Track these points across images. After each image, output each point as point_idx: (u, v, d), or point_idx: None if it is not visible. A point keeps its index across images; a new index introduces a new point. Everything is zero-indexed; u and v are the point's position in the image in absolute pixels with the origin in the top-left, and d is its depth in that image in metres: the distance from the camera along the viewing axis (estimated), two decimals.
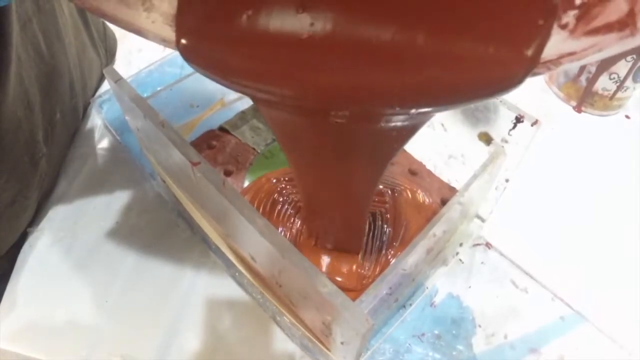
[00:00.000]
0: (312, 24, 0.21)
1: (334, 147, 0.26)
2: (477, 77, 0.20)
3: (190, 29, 0.23)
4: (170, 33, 0.24)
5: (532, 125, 0.32)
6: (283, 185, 0.41)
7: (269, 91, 0.23)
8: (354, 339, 0.25)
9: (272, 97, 0.23)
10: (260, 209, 0.39)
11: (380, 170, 0.28)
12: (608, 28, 0.18)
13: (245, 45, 0.23)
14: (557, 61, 0.20)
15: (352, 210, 0.32)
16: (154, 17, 0.24)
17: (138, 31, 0.24)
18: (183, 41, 0.23)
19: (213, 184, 0.27)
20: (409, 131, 0.25)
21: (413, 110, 0.22)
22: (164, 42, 0.24)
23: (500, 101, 0.33)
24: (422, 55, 0.21)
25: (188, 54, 0.24)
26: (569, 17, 0.19)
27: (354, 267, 0.36)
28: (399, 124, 0.24)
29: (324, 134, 0.25)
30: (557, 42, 0.20)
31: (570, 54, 0.20)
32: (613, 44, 0.18)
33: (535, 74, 0.20)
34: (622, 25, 0.18)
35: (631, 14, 0.17)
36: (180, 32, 0.23)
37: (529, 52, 0.19)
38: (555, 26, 0.19)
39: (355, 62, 0.21)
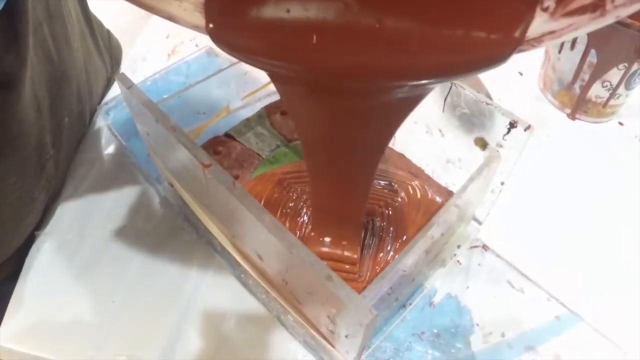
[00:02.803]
0: (328, 12, 0.24)
1: (343, 120, 0.29)
2: (473, 55, 0.24)
3: (217, 15, 0.26)
4: (200, 19, 0.26)
5: (525, 130, 0.33)
6: (286, 179, 0.43)
7: (287, 69, 0.26)
8: (358, 331, 0.26)
9: (290, 74, 0.27)
10: (263, 202, 0.41)
11: (385, 142, 0.31)
12: (582, 10, 0.21)
13: (267, 29, 0.25)
14: (539, 39, 0.23)
15: (355, 192, 0.35)
16: (185, 6, 0.26)
17: (171, 18, 0.26)
18: (211, 26, 0.26)
19: (224, 184, 0.28)
20: (411, 103, 0.28)
21: (420, 83, 0.26)
22: (195, 27, 0.26)
23: (495, 108, 0.34)
24: (431, 40, 0.24)
25: (216, 38, 0.26)
26: (550, 1, 0.22)
27: (358, 254, 0.38)
28: (402, 95, 0.27)
29: (334, 107, 0.28)
30: (540, 23, 0.23)
31: (551, 32, 0.23)
32: (586, 24, 0.21)
33: (520, 51, 0.24)
34: (594, 7, 0.21)
35: None
36: (208, 18, 0.26)
37: (516, 34, 0.23)
38: (538, 9, 0.22)
39: (365, 44, 0.24)
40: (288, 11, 0.24)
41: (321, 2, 0.24)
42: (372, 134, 0.30)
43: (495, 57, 0.23)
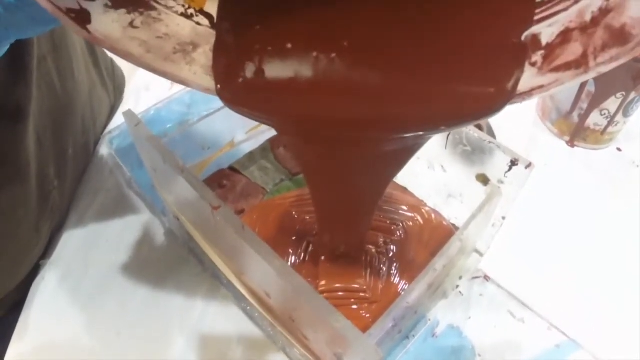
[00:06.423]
0: (325, 73, 0.26)
1: (344, 167, 0.31)
2: (470, 109, 0.25)
3: (223, 77, 0.27)
4: (210, 82, 0.27)
5: (526, 168, 0.34)
6: (284, 204, 0.44)
7: (291, 126, 0.28)
8: None
9: (291, 129, 0.29)
10: (267, 228, 0.43)
11: (385, 183, 0.33)
12: (567, 66, 0.23)
13: (265, 91, 0.27)
14: (529, 93, 0.25)
15: (360, 217, 0.36)
16: (195, 70, 0.27)
17: (183, 82, 0.27)
18: (219, 87, 0.27)
19: (233, 227, 0.29)
20: (412, 150, 0.30)
21: (426, 131, 0.27)
22: (205, 89, 0.28)
23: (497, 145, 0.35)
24: (436, 94, 0.26)
25: (223, 98, 0.27)
26: (537, 56, 0.24)
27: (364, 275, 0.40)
28: (401, 145, 0.29)
29: (336, 157, 0.30)
30: (529, 78, 0.24)
31: (539, 87, 0.24)
32: (571, 79, 0.23)
33: (513, 103, 0.25)
34: (578, 64, 0.22)
35: (585, 55, 0.22)
36: (217, 80, 0.27)
37: (508, 87, 0.24)
38: (527, 64, 0.24)
39: (369, 100, 0.26)
40: (291, 72, 0.26)
41: (321, 63, 0.26)
42: (372, 177, 0.31)
43: (489, 109, 0.25)
